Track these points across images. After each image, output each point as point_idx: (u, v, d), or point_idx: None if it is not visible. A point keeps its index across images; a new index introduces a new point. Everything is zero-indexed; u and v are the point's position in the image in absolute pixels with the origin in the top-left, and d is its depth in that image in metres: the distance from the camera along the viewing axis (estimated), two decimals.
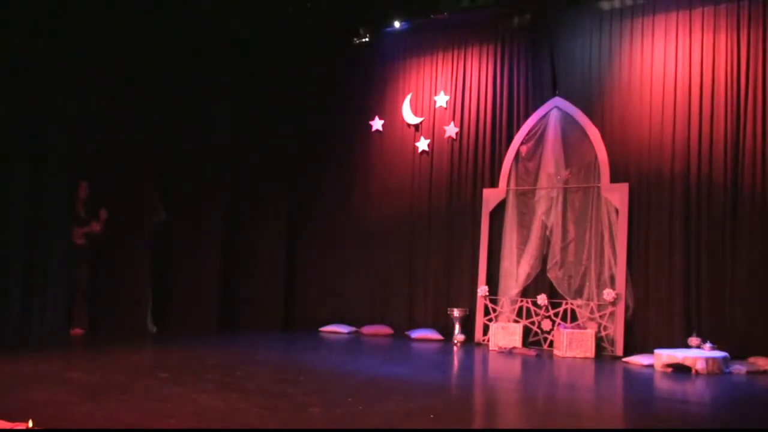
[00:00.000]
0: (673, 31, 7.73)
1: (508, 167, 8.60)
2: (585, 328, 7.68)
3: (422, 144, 9.33)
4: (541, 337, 8.11)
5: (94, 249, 8.15)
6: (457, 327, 8.38)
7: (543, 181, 8.35)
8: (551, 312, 8.06)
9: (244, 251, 9.59)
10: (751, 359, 6.77)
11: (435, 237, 9.15)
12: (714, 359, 6.40)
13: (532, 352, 7.63)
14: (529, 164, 8.51)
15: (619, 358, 7.38)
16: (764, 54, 7.19)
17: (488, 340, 8.14)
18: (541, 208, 8.31)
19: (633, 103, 7.90)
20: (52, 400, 4.36)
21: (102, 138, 8.18)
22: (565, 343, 7.47)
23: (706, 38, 7.53)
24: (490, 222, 8.65)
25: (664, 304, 7.48)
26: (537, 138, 8.45)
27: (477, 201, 8.82)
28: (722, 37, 7.43)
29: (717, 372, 6.37)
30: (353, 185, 9.85)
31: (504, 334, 7.96)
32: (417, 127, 9.45)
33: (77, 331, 7.88)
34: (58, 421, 3.79)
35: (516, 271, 8.40)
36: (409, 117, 9.49)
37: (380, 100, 9.76)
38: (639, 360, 6.97)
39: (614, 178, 7.86)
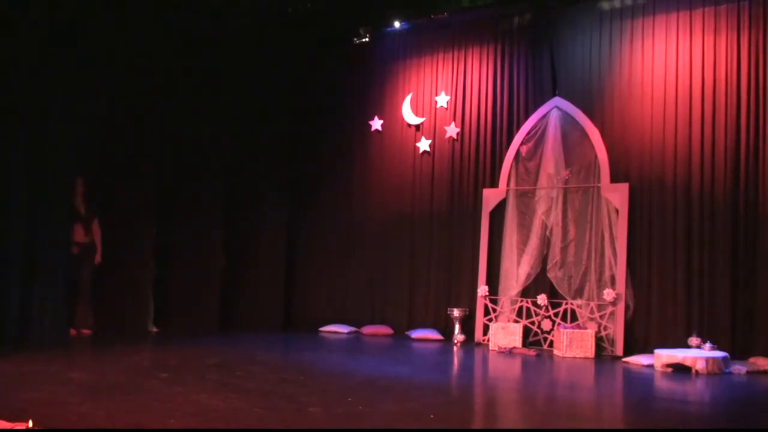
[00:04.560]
0: (673, 31, 7.72)
1: (509, 167, 8.60)
2: (585, 328, 7.68)
3: (423, 144, 9.33)
4: (541, 337, 8.11)
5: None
6: (457, 327, 8.38)
7: (543, 181, 8.35)
8: (551, 312, 8.06)
9: (244, 251, 9.59)
10: (751, 359, 6.77)
11: (435, 237, 9.15)
12: (714, 359, 6.40)
13: (532, 352, 7.63)
14: (529, 164, 8.51)
15: (619, 358, 7.38)
16: (765, 55, 7.19)
17: (488, 340, 8.14)
18: (541, 208, 8.31)
19: (633, 103, 7.90)
20: (52, 400, 4.36)
21: (102, 137, 8.18)
22: (565, 343, 7.47)
23: (706, 39, 7.52)
24: (491, 222, 8.65)
25: (664, 304, 7.48)
26: (537, 138, 8.45)
27: (477, 201, 8.83)
28: (722, 38, 7.43)
29: (717, 372, 6.36)
30: (353, 185, 9.85)
31: (504, 334, 7.96)
32: (418, 127, 9.45)
33: (85, 332, 7.89)
34: (58, 421, 3.79)
35: (516, 271, 8.40)
36: (410, 117, 9.49)
37: (380, 100, 9.77)
38: (639, 360, 6.97)
39: (614, 178, 7.86)
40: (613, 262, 7.77)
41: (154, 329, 8.52)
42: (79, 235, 7.97)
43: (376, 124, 9.71)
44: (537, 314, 8.15)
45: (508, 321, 8.24)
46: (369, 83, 9.84)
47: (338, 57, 10.04)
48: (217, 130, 9.22)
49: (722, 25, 7.44)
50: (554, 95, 8.41)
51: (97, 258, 8.09)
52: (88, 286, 8.04)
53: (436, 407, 4.62)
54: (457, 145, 9.13)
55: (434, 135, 9.32)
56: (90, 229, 8.08)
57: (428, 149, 9.31)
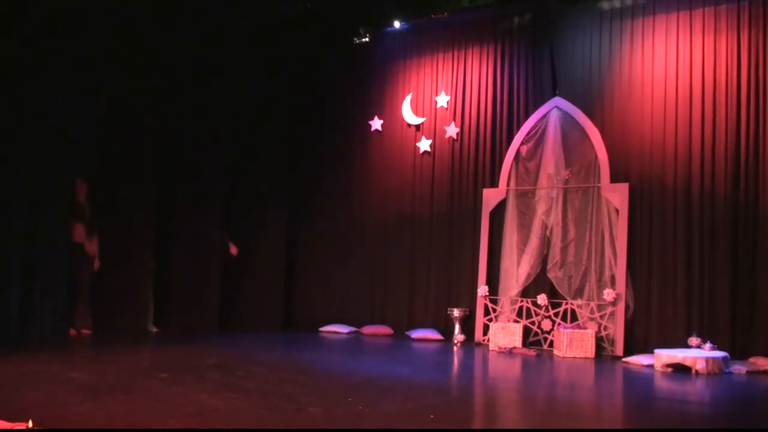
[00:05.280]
0: (673, 31, 7.72)
1: (509, 167, 8.60)
2: (585, 328, 7.67)
3: (424, 144, 9.33)
4: (541, 337, 8.10)
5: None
6: (457, 327, 8.38)
7: (543, 181, 8.35)
8: (551, 312, 8.06)
9: (244, 251, 9.59)
10: (751, 359, 6.77)
11: (435, 237, 9.15)
12: (714, 359, 6.40)
13: (532, 352, 7.63)
14: (529, 164, 8.50)
15: (619, 358, 7.38)
16: (765, 55, 7.19)
17: (488, 340, 8.14)
18: (541, 208, 8.31)
19: (633, 103, 7.90)
20: (52, 400, 4.36)
21: (102, 137, 8.19)
22: (565, 343, 7.47)
23: (706, 38, 7.52)
24: (491, 222, 8.65)
25: (664, 304, 7.48)
26: (537, 138, 8.45)
27: (477, 201, 8.82)
28: (722, 38, 7.43)
29: (717, 372, 6.36)
30: (353, 185, 9.85)
31: (504, 334, 7.96)
32: (418, 127, 9.45)
33: (85, 332, 7.89)
34: (58, 421, 3.79)
35: (516, 271, 8.39)
36: (410, 117, 9.49)
37: (380, 100, 9.77)
38: (639, 360, 6.97)
39: (614, 178, 7.86)
40: (613, 262, 7.77)
41: (154, 329, 8.53)
42: (79, 235, 7.97)
43: (376, 124, 9.71)
44: (537, 314, 8.15)
45: (508, 321, 8.24)
46: (369, 83, 9.84)
47: (338, 57, 10.04)
48: (217, 130, 9.23)
49: (722, 25, 7.44)
50: (554, 95, 8.41)
51: (95, 262, 8.10)
52: (89, 286, 8.05)
53: (436, 407, 4.62)
54: (457, 145, 9.12)
55: (434, 135, 9.31)
56: (91, 230, 8.08)
57: (428, 149, 9.31)
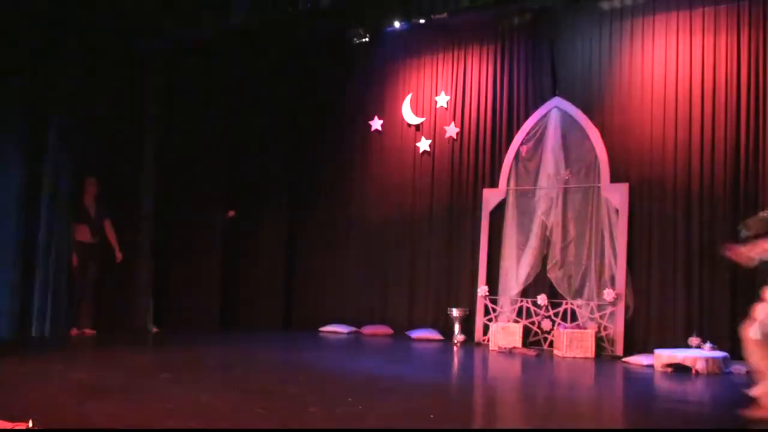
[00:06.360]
0: (673, 31, 7.72)
1: (508, 167, 8.60)
2: (585, 328, 7.68)
3: (423, 144, 9.33)
4: (541, 337, 8.10)
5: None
6: (457, 327, 8.38)
7: (543, 181, 8.35)
8: (551, 312, 8.06)
9: (243, 251, 9.59)
10: None
11: (435, 237, 9.15)
12: (714, 359, 6.40)
13: (532, 352, 7.63)
14: (529, 164, 8.50)
15: (619, 358, 7.38)
16: (765, 55, 7.19)
17: (488, 340, 8.14)
18: (541, 208, 8.31)
19: (633, 103, 7.90)
20: (52, 400, 4.36)
21: (102, 137, 8.19)
22: (565, 343, 7.47)
23: (706, 38, 7.52)
24: (490, 222, 8.65)
25: (664, 304, 7.48)
26: (537, 138, 8.45)
27: (477, 201, 8.83)
28: (722, 38, 7.42)
29: (717, 372, 6.37)
30: (353, 185, 9.85)
31: (504, 334, 7.96)
32: (418, 127, 9.45)
33: (88, 332, 7.89)
34: (58, 421, 3.79)
35: (516, 271, 8.39)
36: (410, 117, 9.49)
37: (380, 100, 9.76)
38: (639, 360, 6.97)
39: (614, 178, 7.86)
40: (613, 262, 7.77)
41: (154, 329, 8.53)
42: (85, 235, 7.97)
43: (376, 124, 9.71)
44: (537, 314, 8.15)
45: (508, 321, 8.24)
46: (369, 83, 9.84)
47: (338, 57, 10.04)
48: (217, 130, 9.23)
49: (722, 25, 7.44)
50: (554, 95, 8.41)
51: (118, 256, 8.14)
52: (89, 286, 8.04)
53: (436, 407, 4.62)
54: (457, 145, 9.13)
55: (434, 135, 9.32)
56: (98, 230, 8.08)
57: (428, 149, 9.31)
